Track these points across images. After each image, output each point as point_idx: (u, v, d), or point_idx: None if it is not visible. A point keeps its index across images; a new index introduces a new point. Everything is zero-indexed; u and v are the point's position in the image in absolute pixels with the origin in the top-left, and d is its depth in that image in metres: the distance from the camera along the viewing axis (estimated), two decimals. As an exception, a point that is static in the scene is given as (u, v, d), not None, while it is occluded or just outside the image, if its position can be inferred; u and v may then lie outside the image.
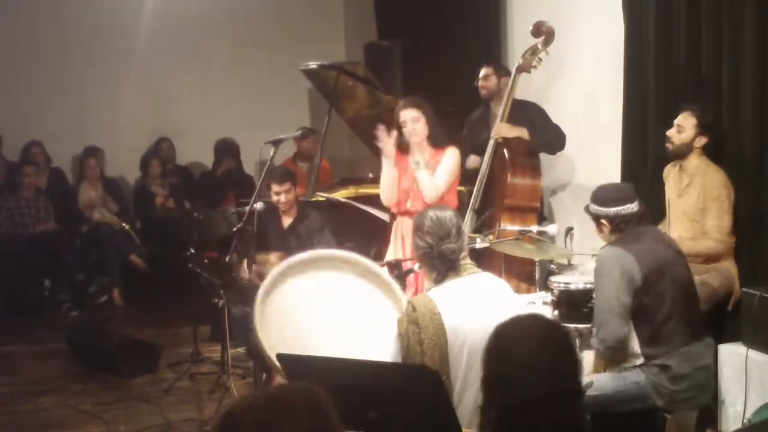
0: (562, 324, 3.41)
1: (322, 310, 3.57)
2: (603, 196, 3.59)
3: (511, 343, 2.12)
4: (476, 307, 3.00)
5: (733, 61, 4.24)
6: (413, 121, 4.61)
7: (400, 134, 4.64)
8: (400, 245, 4.67)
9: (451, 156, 4.66)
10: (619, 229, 3.52)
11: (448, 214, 3.12)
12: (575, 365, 2.14)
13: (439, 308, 2.94)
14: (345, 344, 3.42)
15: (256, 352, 4.26)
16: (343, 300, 3.62)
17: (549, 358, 2.08)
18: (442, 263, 3.06)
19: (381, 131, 4.61)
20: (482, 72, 5.60)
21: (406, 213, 4.69)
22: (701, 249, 4.17)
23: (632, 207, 3.52)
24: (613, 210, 3.52)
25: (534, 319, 2.23)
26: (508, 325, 2.21)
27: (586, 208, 3.65)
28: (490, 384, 2.13)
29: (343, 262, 3.71)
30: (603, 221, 3.55)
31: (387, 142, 4.61)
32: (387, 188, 4.71)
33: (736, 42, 4.22)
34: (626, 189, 3.69)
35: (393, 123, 4.70)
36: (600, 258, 3.50)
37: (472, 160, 5.49)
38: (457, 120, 5.95)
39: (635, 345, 3.42)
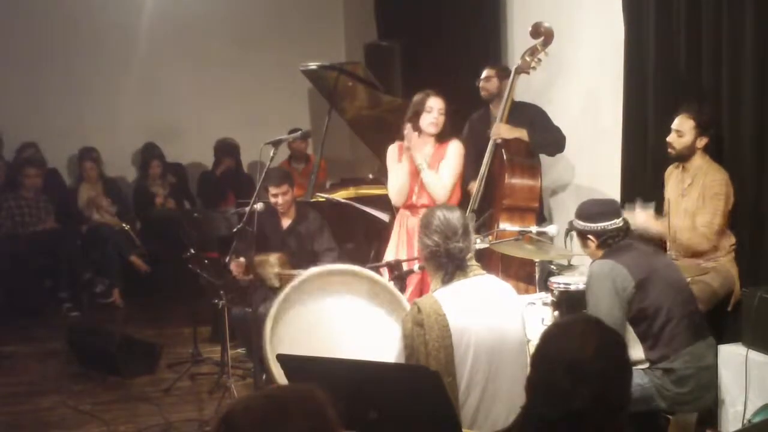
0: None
1: (333, 338, 3.57)
2: (589, 211, 3.58)
3: (567, 346, 1.94)
4: (482, 309, 2.99)
5: (733, 61, 4.24)
6: (440, 112, 4.60)
7: (416, 121, 4.60)
8: (405, 239, 4.65)
9: (454, 149, 4.65)
10: (607, 244, 3.51)
11: (456, 214, 3.11)
12: (629, 376, 2.02)
13: (445, 309, 2.93)
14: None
15: (256, 348, 4.27)
16: (353, 326, 3.62)
17: (606, 366, 1.92)
18: (449, 262, 3.05)
19: (409, 130, 4.55)
20: (484, 73, 5.58)
21: (411, 207, 4.69)
22: (686, 240, 4.15)
23: (618, 222, 3.53)
24: (600, 225, 3.52)
25: (592, 323, 2.07)
26: (564, 326, 2.07)
27: (571, 224, 3.64)
28: (536, 387, 1.97)
29: (353, 276, 3.70)
30: (590, 237, 3.54)
31: (414, 140, 4.56)
32: (400, 189, 4.66)
33: (736, 42, 4.22)
34: (612, 204, 3.71)
35: (408, 114, 4.65)
36: (591, 273, 3.48)
37: (470, 186, 5.49)
38: (460, 120, 5.94)
39: (634, 352, 3.42)
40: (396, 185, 4.68)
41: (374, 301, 3.68)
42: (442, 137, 4.66)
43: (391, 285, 3.77)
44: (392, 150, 4.76)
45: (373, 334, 3.60)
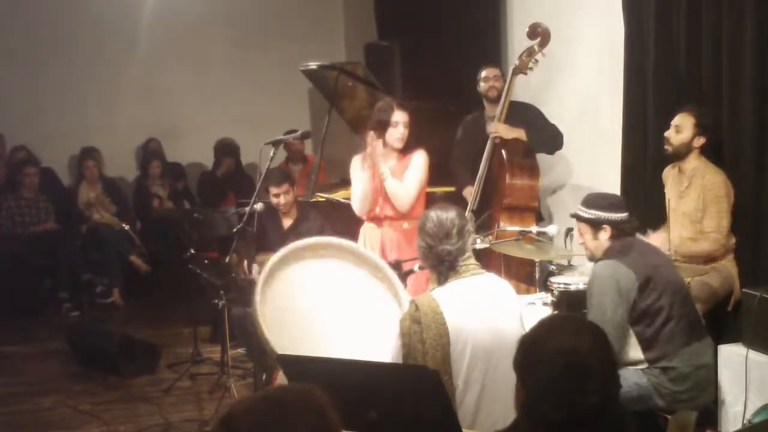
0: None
1: (323, 299, 3.57)
2: (604, 201, 3.54)
3: (562, 345, 1.87)
4: (479, 308, 2.99)
5: (733, 61, 4.24)
6: (405, 126, 4.46)
7: (380, 131, 4.47)
8: None
9: (418, 159, 4.50)
10: (620, 236, 3.49)
11: (450, 215, 3.08)
12: (617, 368, 1.95)
13: (442, 308, 2.93)
14: (346, 335, 3.44)
15: (256, 348, 4.26)
16: (343, 289, 3.62)
17: (603, 362, 1.86)
18: (440, 263, 3.06)
19: (372, 137, 4.44)
20: (490, 72, 5.53)
21: (375, 219, 4.56)
22: (699, 250, 4.18)
23: (630, 216, 3.52)
24: (617, 216, 3.48)
25: (579, 321, 2.00)
26: (552, 325, 1.99)
27: (577, 215, 3.57)
28: (536, 388, 1.89)
29: (343, 250, 3.70)
30: (605, 227, 3.49)
31: (378, 148, 4.47)
32: (364, 198, 4.50)
33: (736, 42, 4.22)
34: (622, 198, 3.71)
35: (373, 121, 4.52)
36: (595, 273, 3.45)
37: (467, 192, 5.48)
38: (458, 121, 5.94)
39: (633, 353, 3.42)
40: (361, 192, 4.50)
41: (376, 276, 3.68)
42: (405, 148, 4.51)
43: (380, 260, 3.74)
44: (356, 160, 4.60)
45: (368, 299, 3.60)
